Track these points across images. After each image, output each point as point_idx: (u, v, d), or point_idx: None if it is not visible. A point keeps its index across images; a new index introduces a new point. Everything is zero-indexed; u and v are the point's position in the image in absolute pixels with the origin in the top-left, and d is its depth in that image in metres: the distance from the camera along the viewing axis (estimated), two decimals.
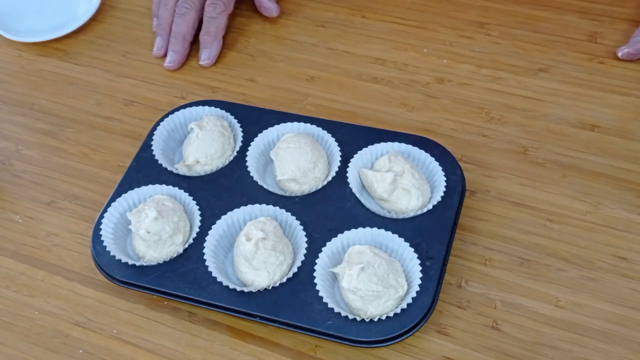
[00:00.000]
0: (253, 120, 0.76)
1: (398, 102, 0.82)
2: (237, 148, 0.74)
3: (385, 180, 0.67)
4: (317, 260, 0.64)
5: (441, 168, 0.69)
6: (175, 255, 0.67)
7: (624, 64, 0.82)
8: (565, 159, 0.74)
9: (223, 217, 0.68)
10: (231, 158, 0.74)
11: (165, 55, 0.90)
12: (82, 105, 0.87)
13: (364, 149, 0.72)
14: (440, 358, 0.63)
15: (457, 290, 0.66)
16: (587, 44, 0.85)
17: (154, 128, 0.76)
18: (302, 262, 0.65)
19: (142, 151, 0.75)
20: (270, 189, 0.70)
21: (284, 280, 0.64)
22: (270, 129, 0.75)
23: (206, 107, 0.78)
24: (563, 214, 0.70)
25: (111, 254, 0.67)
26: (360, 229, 0.66)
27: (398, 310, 0.61)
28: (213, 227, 0.67)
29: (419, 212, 0.67)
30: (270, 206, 0.68)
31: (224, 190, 0.71)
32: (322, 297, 0.62)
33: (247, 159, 0.73)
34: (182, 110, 0.78)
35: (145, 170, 0.73)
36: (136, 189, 0.71)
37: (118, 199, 0.70)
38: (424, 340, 0.64)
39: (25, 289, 0.71)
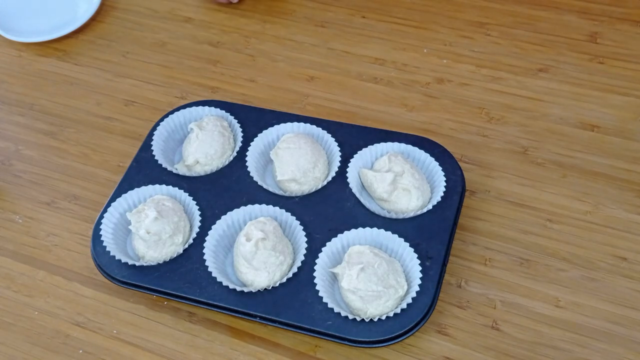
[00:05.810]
0: (253, 120, 0.76)
1: (398, 102, 0.82)
2: (237, 148, 0.74)
3: (385, 180, 0.67)
4: (317, 261, 0.64)
5: (441, 168, 0.69)
6: (175, 255, 0.67)
7: (624, 64, 0.82)
8: (565, 159, 0.74)
9: (223, 217, 0.68)
10: (231, 158, 0.73)
11: None
12: (82, 105, 0.87)
13: (363, 149, 0.72)
14: (440, 358, 0.63)
15: (457, 290, 0.66)
16: (587, 44, 0.85)
17: (154, 128, 0.76)
18: (302, 262, 0.65)
19: (142, 151, 0.75)
20: (270, 189, 0.70)
21: (284, 280, 0.64)
22: (270, 129, 0.75)
23: (206, 107, 0.78)
24: (563, 214, 0.70)
25: (111, 254, 0.67)
26: (360, 229, 0.66)
27: (398, 310, 0.61)
28: (213, 227, 0.67)
29: (419, 212, 0.67)
30: (270, 206, 0.68)
31: (224, 190, 0.71)
32: (322, 297, 0.62)
33: (247, 159, 0.72)
34: (182, 111, 0.78)
35: (145, 170, 0.73)
36: (136, 189, 0.71)
37: (118, 199, 0.70)
38: (424, 340, 0.64)
39: (25, 289, 0.71)
